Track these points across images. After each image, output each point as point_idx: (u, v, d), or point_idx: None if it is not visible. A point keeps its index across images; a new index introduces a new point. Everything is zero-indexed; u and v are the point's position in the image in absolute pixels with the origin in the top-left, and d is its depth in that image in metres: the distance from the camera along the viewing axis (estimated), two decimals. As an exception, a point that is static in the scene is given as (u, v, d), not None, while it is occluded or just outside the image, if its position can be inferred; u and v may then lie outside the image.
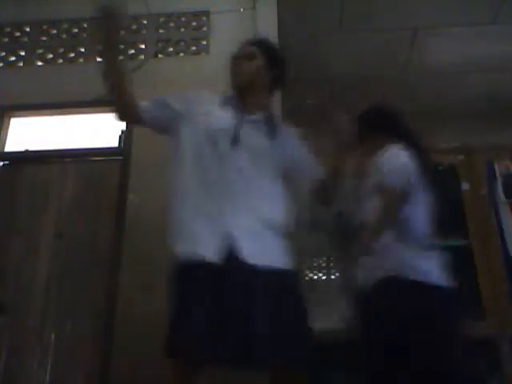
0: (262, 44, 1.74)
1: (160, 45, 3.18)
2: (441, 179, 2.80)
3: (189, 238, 1.48)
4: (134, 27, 3.25)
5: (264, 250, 1.44)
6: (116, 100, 1.70)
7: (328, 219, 2.76)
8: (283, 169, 1.63)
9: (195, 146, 1.59)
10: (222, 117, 1.62)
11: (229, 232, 1.43)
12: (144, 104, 1.71)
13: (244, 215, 1.47)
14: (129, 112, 1.70)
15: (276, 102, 2.81)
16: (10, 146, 3.05)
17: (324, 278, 2.88)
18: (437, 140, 2.94)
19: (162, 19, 3.25)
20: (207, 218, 1.46)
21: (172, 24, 3.24)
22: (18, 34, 3.33)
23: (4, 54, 3.27)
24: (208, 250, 1.41)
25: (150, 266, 2.52)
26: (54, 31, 3.31)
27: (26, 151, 3.00)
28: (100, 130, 3.03)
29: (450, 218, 2.76)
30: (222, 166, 1.53)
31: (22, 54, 3.26)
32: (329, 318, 2.62)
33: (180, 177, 1.61)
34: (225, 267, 1.38)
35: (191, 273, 1.42)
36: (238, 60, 1.71)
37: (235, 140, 1.55)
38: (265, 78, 1.69)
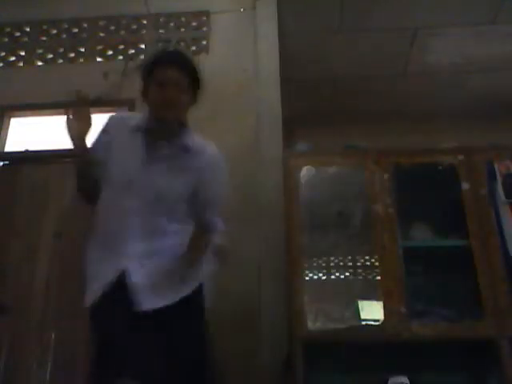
0: (192, 73, 1.62)
1: (160, 45, 3.18)
2: (441, 179, 2.79)
3: (91, 280, 1.52)
4: (134, 27, 3.25)
5: (154, 291, 1.45)
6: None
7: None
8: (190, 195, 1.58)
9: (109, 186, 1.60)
10: (128, 158, 1.58)
11: (123, 269, 1.46)
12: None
13: (137, 255, 1.49)
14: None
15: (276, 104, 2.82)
16: (10, 146, 3.05)
17: (324, 278, 2.88)
18: (437, 140, 2.94)
19: (161, 19, 3.25)
20: (104, 261, 1.50)
21: (172, 24, 3.24)
22: (18, 34, 3.33)
23: (4, 54, 3.27)
24: (102, 284, 1.46)
25: (149, 266, 2.52)
26: (54, 31, 3.31)
27: (26, 151, 3.00)
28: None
29: (450, 217, 2.76)
30: (119, 208, 1.54)
31: (22, 54, 3.26)
32: (329, 317, 2.62)
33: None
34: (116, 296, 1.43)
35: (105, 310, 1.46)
36: (166, 81, 1.56)
37: (131, 180, 1.55)
38: (187, 111, 1.65)
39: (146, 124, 1.62)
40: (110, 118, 1.72)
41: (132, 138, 1.61)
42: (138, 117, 1.67)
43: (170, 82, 1.55)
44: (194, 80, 1.62)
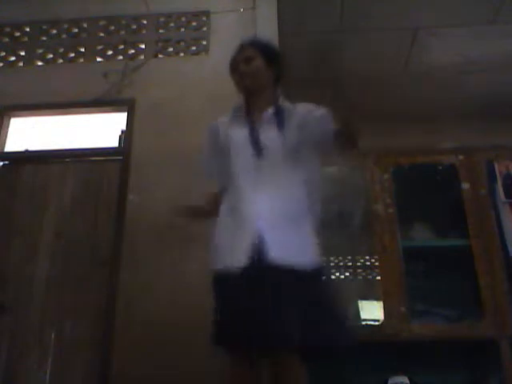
0: (257, 44, 1.79)
1: (160, 45, 3.18)
2: (441, 179, 2.80)
3: (222, 252, 1.60)
4: (134, 27, 3.25)
5: (289, 249, 1.52)
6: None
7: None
8: (306, 149, 1.67)
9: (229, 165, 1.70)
10: (237, 132, 1.71)
11: (256, 236, 1.52)
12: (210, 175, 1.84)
13: (269, 214, 1.56)
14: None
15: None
16: (10, 146, 3.05)
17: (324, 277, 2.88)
18: (437, 140, 2.94)
19: (162, 19, 3.25)
20: (235, 231, 1.58)
21: (172, 24, 3.24)
22: (18, 34, 3.33)
23: (4, 53, 3.27)
24: (237, 259, 1.52)
25: (149, 266, 2.53)
26: (54, 31, 3.31)
27: (26, 151, 3.00)
28: (100, 129, 3.04)
29: (450, 217, 2.76)
30: (247, 173, 1.64)
31: (22, 54, 3.26)
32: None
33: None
34: (253, 270, 1.49)
35: (226, 281, 1.55)
36: (237, 64, 1.76)
37: (256, 148, 1.65)
38: (266, 76, 1.75)
39: (240, 106, 1.78)
40: (208, 128, 1.85)
41: (236, 123, 1.74)
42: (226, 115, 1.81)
43: (234, 62, 1.77)
44: (257, 47, 1.76)
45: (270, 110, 1.71)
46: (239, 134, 1.70)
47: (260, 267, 1.48)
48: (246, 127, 1.70)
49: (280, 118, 1.70)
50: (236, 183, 1.65)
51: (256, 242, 1.51)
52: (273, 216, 1.57)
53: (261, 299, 1.44)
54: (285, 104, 1.76)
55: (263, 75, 1.74)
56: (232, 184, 1.67)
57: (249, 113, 1.74)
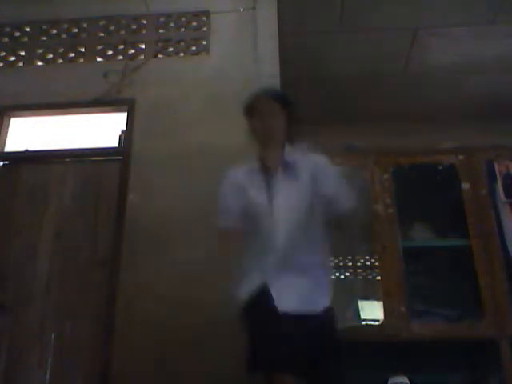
0: (284, 100, 1.84)
1: (160, 45, 3.18)
2: (441, 179, 2.79)
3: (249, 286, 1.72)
4: (134, 27, 3.25)
5: (299, 298, 1.65)
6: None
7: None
8: (317, 202, 1.75)
9: (249, 218, 1.77)
10: (255, 191, 1.77)
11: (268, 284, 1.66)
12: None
13: (283, 267, 1.67)
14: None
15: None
16: (10, 146, 3.05)
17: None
18: (437, 140, 2.94)
19: (161, 19, 3.25)
20: (258, 271, 1.70)
21: (172, 24, 3.24)
22: (18, 33, 3.33)
23: (4, 53, 3.27)
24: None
25: (149, 266, 2.53)
26: (54, 31, 3.31)
27: (26, 151, 3.00)
28: (100, 129, 3.04)
29: (450, 217, 2.76)
30: (265, 228, 1.72)
31: (22, 54, 3.26)
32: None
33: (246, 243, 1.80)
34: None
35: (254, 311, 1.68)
36: (260, 114, 1.81)
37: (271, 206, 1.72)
38: (285, 131, 1.83)
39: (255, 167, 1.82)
40: (227, 178, 1.87)
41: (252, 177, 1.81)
42: (244, 166, 1.85)
43: (260, 112, 1.81)
44: (281, 103, 1.82)
45: (283, 163, 1.78)
46: (258, 196, 1.76)
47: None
48: (263, 188, 1.76)
49: (292, 170, 1.77)
50: (258, 238, 1.73)
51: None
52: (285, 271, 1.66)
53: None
54: (296, 156, 1.82)
55: (285, 132, 1.83)
56: (256, 235, 1.74)
57: (265, 171, 1.79)
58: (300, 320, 1.59)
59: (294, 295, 1.63)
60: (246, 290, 1.70)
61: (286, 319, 1.58)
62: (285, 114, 1.82)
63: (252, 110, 1.84)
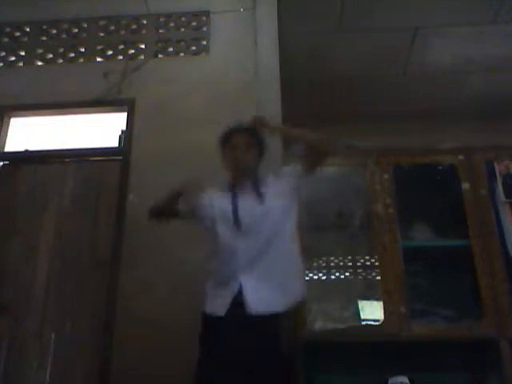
0: (255, 135, 2.03)
1: (160, 45, 3.19)
2: (441, 179, 2.79)
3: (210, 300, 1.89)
4: (134, 27, 3.25)
5: (262, 299, 1.77)
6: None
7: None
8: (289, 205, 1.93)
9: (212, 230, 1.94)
10: (222, 203, 1.95)
11: (237, 292, 1.79)
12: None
13: (250, 277, 1.80)
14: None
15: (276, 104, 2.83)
16: (10, 146, 3.06)
17: (324, 278, 2.88)
18: (437, 140, 2.94)
19: (162, 19, 3.25)
20: (222, 285, 1.85)
21: (172, 24, 3.25)
22: (18, 34, 3.33)
23: (4, 53, 3.28)
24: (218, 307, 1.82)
25: (149, 266, 2.53)
26: (54, 31, 3.31)
27: (26, 151, 3.00)
28: (100, 129, 3.04)
29: (450, 217, 2.76)
30: (230, 241, 1.87)
31: (22, 54, 3.26)
32: (329, 317, 2.62)
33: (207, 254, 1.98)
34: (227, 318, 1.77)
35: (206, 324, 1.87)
36: (235, 145, 2.00)
37: (236, 221, 1.87)
38: (257, 161, 2.03)
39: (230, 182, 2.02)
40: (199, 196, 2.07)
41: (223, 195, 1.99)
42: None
43: (234, 145, 2.00)
44: (254, 136, 2.03)
45: (250, 183, 1.96)
46: (222, 206, 1.93)
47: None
48: (228, 200, 1.93)
49: (258, 189, 1.94)
50: (219, 248, 1.88)
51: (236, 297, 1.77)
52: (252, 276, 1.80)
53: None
54: (262, 176, 2.01)
55: (257, 163, 2.02)
56: (216, 248, 1.89)
57: (233, 189, 1.97)
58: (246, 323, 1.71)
59: (255, 297, 1.75)
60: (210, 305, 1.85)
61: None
62: (258, 148, 2.02)
63: (227, 140, 2.03)
